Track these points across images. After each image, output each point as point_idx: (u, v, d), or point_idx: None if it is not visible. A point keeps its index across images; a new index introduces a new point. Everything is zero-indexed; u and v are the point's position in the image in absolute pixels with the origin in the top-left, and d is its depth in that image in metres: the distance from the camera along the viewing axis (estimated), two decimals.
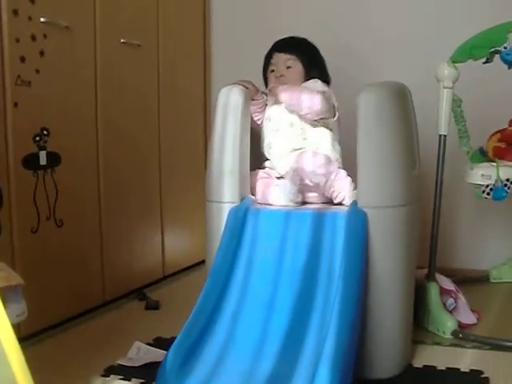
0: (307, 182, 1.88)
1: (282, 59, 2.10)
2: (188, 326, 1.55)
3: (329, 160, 1.91)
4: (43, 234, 2.13)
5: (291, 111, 2.00)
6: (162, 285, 2.84)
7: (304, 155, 1.89)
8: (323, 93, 1.99)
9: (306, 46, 2.16)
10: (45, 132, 2.12)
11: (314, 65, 2.12)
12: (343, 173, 1.94)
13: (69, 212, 2.24)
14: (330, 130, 2.03)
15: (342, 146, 2.07)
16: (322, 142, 2.01)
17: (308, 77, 2.10)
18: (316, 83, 2.07)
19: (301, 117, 2.00)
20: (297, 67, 2.09)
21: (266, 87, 2.13)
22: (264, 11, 3.20)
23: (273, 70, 2.11)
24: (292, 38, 2.17)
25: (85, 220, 2.35)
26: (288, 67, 2.09)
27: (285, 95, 1.97)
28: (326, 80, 2.13)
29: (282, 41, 2.16)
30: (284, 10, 3.14)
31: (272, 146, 2.05)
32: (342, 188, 1.91)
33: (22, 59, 2.01)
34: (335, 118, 2.03)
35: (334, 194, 1.92)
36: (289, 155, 1.98)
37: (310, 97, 1.95)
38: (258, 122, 2.11)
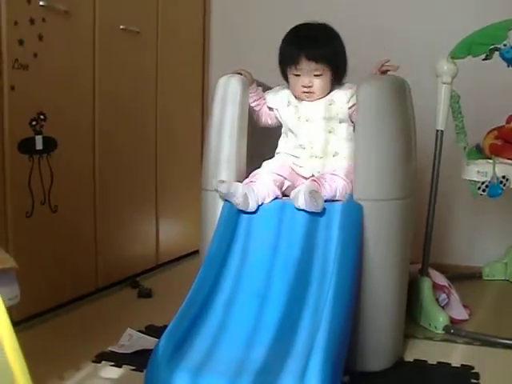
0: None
1: (310, 68, 1.90)
2: (180, 314, 1.55)
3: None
4: (37, 219, 2.12)
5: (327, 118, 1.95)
6: (155, 273, 2.85)
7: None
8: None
9: (337, 47, 1.96)
10: (41, 116, 2.11)
11: (342, 66, 1.97)
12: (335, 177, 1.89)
13: (64, 197, 2.24)
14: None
15: None
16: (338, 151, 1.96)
17: (336, 79, 1.96)
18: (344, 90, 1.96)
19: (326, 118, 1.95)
20: (326, 76, 1.93)
21: (285, 80, 2.00)
22: None
23: (298, 75, 1.93)
24: (320, 42, 1.92)
25: (79, 206, 2.35)
26: (317, 75, 1.92)
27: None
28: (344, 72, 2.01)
29: (310, 43, 1.91)
30: None
31: (306, 147, 1.97)
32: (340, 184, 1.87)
33: (20, 42, 2.00)
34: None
35: (338, 193, 1.87)
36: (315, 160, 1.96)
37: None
38: (257, 110, 2.03)
